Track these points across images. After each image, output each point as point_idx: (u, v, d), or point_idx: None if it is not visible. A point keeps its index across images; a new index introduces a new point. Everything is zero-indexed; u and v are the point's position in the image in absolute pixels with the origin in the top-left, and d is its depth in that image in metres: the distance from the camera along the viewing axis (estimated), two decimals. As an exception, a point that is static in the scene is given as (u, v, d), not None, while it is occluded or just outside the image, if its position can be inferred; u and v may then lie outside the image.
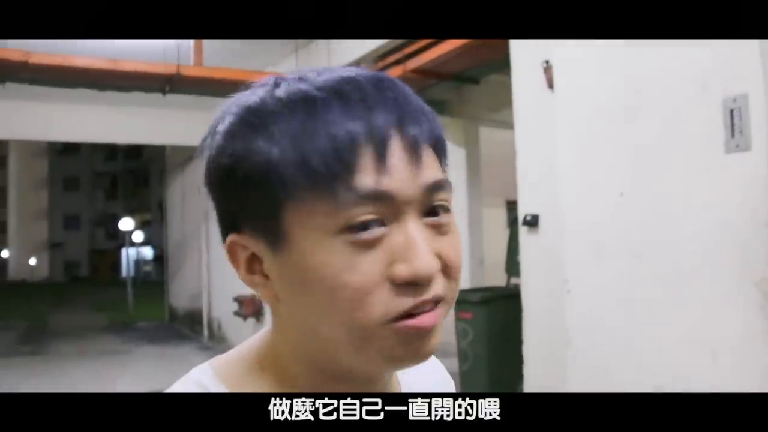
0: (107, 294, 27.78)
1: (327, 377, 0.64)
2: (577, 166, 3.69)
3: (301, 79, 0.61)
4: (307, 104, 0.58)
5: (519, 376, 4.86)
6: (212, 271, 11.95)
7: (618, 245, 3.44)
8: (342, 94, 0.59)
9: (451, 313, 4.98)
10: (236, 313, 9.75)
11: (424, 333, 0.59)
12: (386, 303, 0.57)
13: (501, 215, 10.04)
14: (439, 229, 0.60)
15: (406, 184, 0.57)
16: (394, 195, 0.57)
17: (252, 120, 0.61)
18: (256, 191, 0.59)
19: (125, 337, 13.23)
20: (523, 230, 4.77)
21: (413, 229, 0.58)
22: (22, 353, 11.31)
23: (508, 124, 5.09)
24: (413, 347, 0.59)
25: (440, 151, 0.63)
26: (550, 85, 4.17)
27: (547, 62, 4.36)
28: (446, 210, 0.61)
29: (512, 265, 6.02)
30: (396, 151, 0.58)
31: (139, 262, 42.91)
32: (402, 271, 0.57)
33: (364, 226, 0.56)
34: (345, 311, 0.57)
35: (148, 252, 46.90)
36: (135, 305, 19.57)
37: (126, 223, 23.46)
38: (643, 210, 3.32)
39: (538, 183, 4.59)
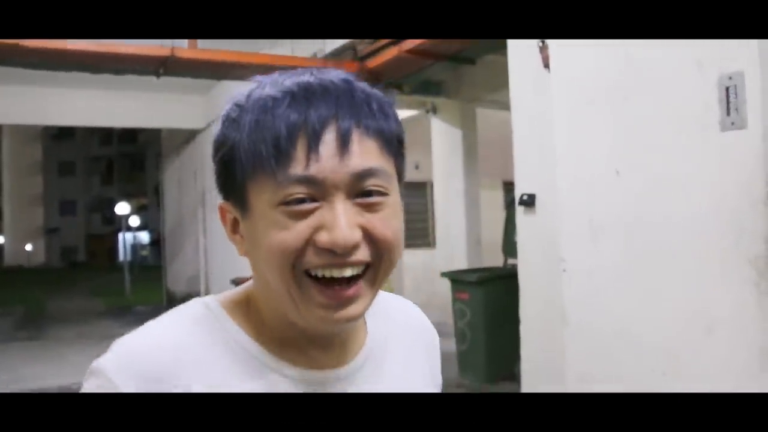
0: (105, 279, 27.79)
1: (286, 324, 0.77)
2: (573, 145, 3.70)
3: (274, 82, 0.74)
4: (266, 103, 0.72)
5: (516, 356, 4.90)
6: (209, 254, 11.96)
7: (614, 224, 3.45)
8: (292, 94, 0.71)
9: (449, 293, 4.96)
10: (234, 296, 9.75)
11: (343, 301, 0.72)
12: (308, 261, 0.71)
13: (498, 196, 10.04)
14: (369, 208, 0.72)
15: (333, 170, 0.70)
16: (322, 179, 0.69)
17: (232, 113, 0.74)
18: (228, 170, 0.74)
19: (123, 321, 13.24)
20: (519, 210, 4.78)
21: (338, 206, 0.70)
22: (18, 339, 11.32)
23: (506, 105, 5.09)
24: (332, 311, 0.72)
25: (386, 143, 0.74)
26: (546, 65, 4.16)
27: (543, 42, 4.36)
28: (381, 193, 0.72)
29: (509, 246, 6.05)
30: (329, 141, 0.70)
31: (136, 247, 42.92)
32: (323, 237, 0.70)
33: (302, 200, 0.70)
34: (278, 265, 0.71)
35: (144, 236, 46.89)
36: (133, 289, 19.60)
37: (122, 208, 23.43)
38: (639, 188, 3.33)
39: (534, 163, 4.59)
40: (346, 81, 0.74)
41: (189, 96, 11.40)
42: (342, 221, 0.69)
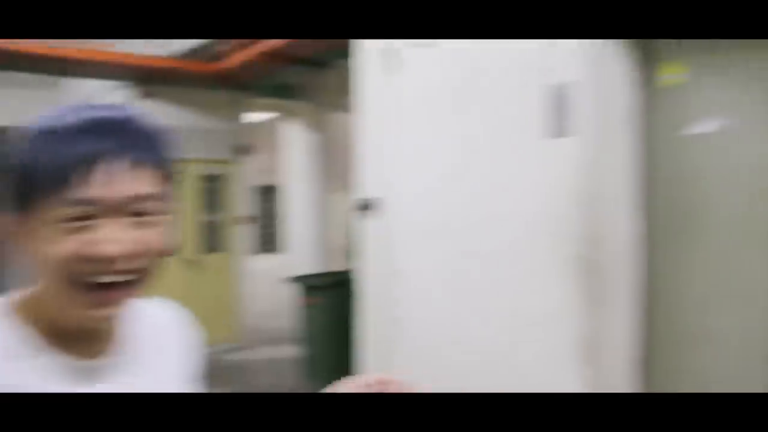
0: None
1: (61, 318, 0.90)
2: (412, 151, 3.77)
3: (69, 113, 0.86)
4: (57, 133, 0.84)
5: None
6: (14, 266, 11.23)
7: (446, 227, 3.55)
8: (81, 127, 0.84)
9: (298, 298, 4.87)
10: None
11: (106, 302, 0.87)
12: (80, 269, 0.84)
13: (349, 200, 10.08)
14: (138, 225, 0.86)
15: (107, 195, 0.83)
16: (98, 201, 0.83)
17: (29, 136, 0.86)
18: (19, 187, 0.86)
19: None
20: (359, 215, 4.81)
21: (109, 225, 0.84)
22: None
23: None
24: (96, 310, 0.87)
25: (157, 170, 0.87)
26: (391, 71, 4.22)
27: (388, 49, 4.41)
28: (149, 213, 0.87)
29: (354, 250, 6.07)
30: (107, 170, 0.83)
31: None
32: (93, 249, 0.84)
33: (80, 218, 0.83)
34: (55, 271, 0.85)
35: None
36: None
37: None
38: (470, 193, 3.45)
39: (376, 168, 4.63)
40: (127, 117, 0.88)
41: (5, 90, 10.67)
42: (110, 237, 0.84)
